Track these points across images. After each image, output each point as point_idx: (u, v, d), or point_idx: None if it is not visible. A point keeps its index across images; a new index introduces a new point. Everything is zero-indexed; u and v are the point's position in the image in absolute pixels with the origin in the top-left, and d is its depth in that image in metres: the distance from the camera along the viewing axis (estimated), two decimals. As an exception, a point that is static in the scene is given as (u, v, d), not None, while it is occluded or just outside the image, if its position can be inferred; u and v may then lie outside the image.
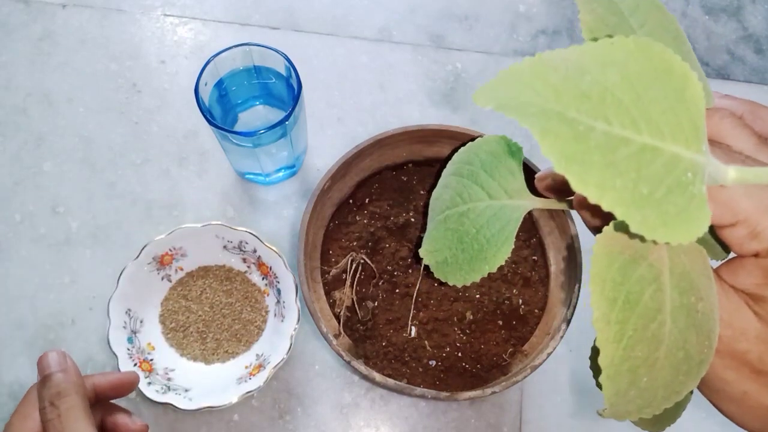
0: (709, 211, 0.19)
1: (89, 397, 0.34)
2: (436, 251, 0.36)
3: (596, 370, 0.22)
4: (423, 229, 0.46)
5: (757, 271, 0.23)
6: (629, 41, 0.20)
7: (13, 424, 0.32)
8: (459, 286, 0.35)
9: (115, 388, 0.36)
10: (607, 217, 0.24)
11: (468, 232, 0.33)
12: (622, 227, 0.22)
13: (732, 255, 0.25)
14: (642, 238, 0.21)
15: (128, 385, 0.37)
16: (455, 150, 0.38)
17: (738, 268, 0.24)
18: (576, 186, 0.18)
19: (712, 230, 0.24)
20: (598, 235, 0.22)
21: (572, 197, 0.28)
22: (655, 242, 0.22)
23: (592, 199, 0.18)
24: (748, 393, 0.24)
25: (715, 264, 0.26)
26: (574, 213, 0.47)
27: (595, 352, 0.22)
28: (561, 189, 0.30)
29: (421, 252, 0.38)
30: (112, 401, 0.38)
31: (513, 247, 0.32)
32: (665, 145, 0.19)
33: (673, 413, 0.30)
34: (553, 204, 0.31)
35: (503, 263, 0.32)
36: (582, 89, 0.19)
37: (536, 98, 0.19)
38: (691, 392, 0.29)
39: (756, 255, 0.23)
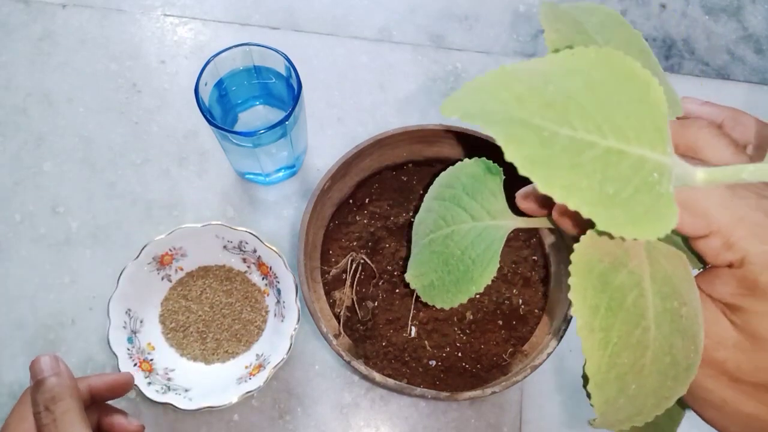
0: (677, 210, 0.19)
1: (84, 399, 0.34)
2: (422, 275, 0.36)
3: (586, 380, 0.22)
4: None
5: (733, 281, 0.23)
6: (590, 51, 0.20)
7: (10, 425, 0.32)
8: (446, 308, 0.35)
9: (111, 389, 0.36)
10: (585, 227, 0.24)
11: (453, 254, 0.33)
12: (600, 231, 0.22)
13: (708, 266, 0.25)
14: (617, 240, 0.22)
15: (124, 386, 0.37)
16: (451, 163, 0.38)
17: (714, 278, 0.24)
18: (542, 188, 0.18)
19: (687, 242, 0.25)
20: (575, 245, 0.22)
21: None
22: (631, 244, 0.22)
23: (558, 200, 0.18)
24: (727, 401, 0.24)
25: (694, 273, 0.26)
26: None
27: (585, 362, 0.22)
28: (542, 206, 0.31)
29: (407, 276, 0.38)
30: (108, 402, 0.38)
31: (498, 266, 0.32)
32: (630, 147, 0.19)
33: (669, 426, 0.30)
34: (535, 222, 0.31)
35: (488, 283, 0.32)
36: (546, 97, 0.19)
37: (501, 107, 0.19)
38: (684, 409, 0.29)
39: (730, 265, 0.23)
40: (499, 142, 0.18)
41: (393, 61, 0.60)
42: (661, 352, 0.22)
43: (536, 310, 0.45)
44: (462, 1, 0.63)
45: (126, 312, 0.47)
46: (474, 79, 0.21)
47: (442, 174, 0.37)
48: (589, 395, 0.21)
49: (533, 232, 0.47)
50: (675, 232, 0.24)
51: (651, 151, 0.19)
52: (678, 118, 0.27)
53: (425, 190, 0.48)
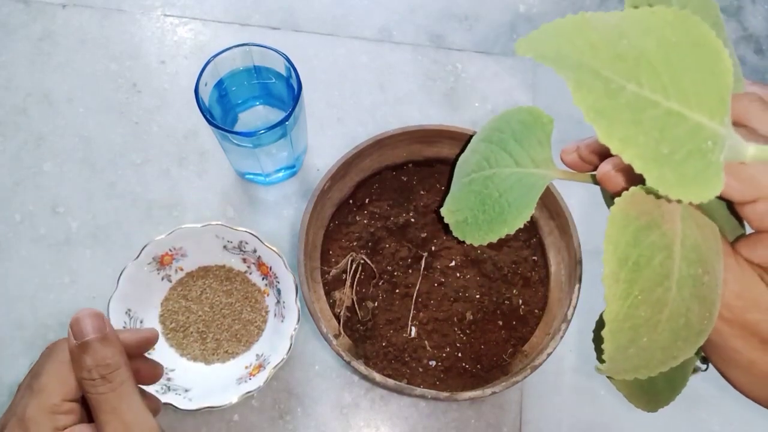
0: (724, 179, 0.20)
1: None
2: (457, 211, 0.38)
3: (599, 332, 0.22)
4: (432, 225, 0.46)
5: None
6: (669, 11, 0.21)
7: (47, 385, 0.30)
8: (475, 245, 0.36)
9: (140, 345, 0.35)
10: (629, 185, 0.25)
11: (491, 195, 0.34)
12: (644, 189, 0.23)
13: (750, 232, 0.26)
14: (658, 198, 0.23)
15: (152, 341, 0.36)
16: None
17: (756, 242, 0.25)
18: (602, 137, 0.19)
19: (732, 207, 0.26)
20: (617, 198, 0.23)
21: (595, 171, 0.29)
22: (669, 204, 0.23)
23: (615, 150, 0.19)
24: (755, 362, 0.25)
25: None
26: (581, 210, 0.47)
27: (600, 320, 0.23)
28: (586, 162, 0.32)
29: (443, 211, 0.39)
30: None
31: (533, 212, 0.32)
32: (690, 113, 0.20)
33: (668, 394, 0.31)
34: (576, 176, 0.32)
35: (519, 227, 0.33)
36: (618, 51, 0.20)
37: (574, 53, 0.20)
38: (687, 376, 0.30)
39: None
40: (569, 87, 0.19)
41: (393, 61, 0.60)
42: (677, 312, 0.23)
43: (536, 310, 0.45)
44: (462, 1, 0.63)
45: (126, 312, 0.47)
46: (553, 21, 0.21)
47: (493, 117, 0.37)
48: (599, 344, 0.22)
49: (533, 232, 0.47)
50: (718, 200, 0.25)
51: (709, 120, 0.20)
52: None
53: (425, 190, 0.48)
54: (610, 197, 0.28)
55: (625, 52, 0.20)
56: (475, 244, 0.36)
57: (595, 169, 0.30)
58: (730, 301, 0.25)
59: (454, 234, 0.37)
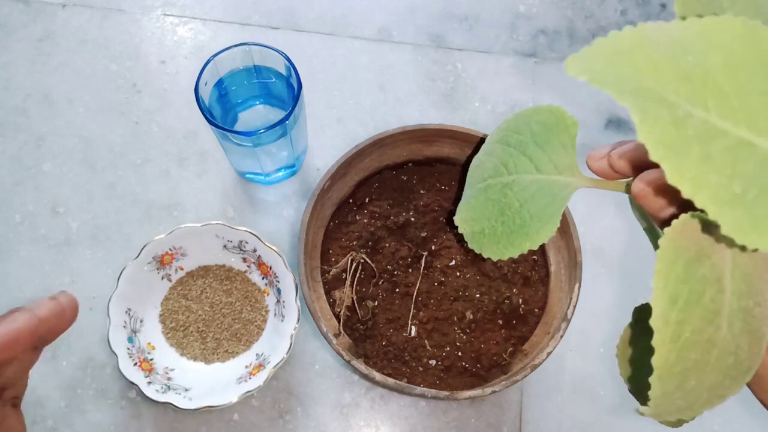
0: None
1: (39, 345, 0.27)
2: (473, 220, 0.35)
3: (626, 370, 0.21)
4: (432, 225, 0.46)
5: None
6: (737, 22, 0.19)
7: None
8: (494, 259, 0.33)
9: (57, 315, 0.29)
10: (671, 204, 0.23)
11: (511, 205, 0.31)
12: (700, 217, 0.21)
13: None
14: (723, 239, 0.20)
15: (70, 314, 0.30)
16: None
17: None
18: (672, 179, 0.17)
19: None
20: (667, 228, 0.21)
21: (628, 180, 0.27)
22: (724, 242, 0.21)
23: (686, 195, 0.17)
24: None
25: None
26: (581, 210, 0.47)
27: (622, 349, 0.21)
28: (617, 170, 0.29)
29: (457, 219, 0.36)
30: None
31: (558, 225, 0.29)
32: (761, 140, 0.18)
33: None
34: (607, 184, 0.29)
35: (543, 242, 0.30)
36: (683, 70, 0.18)
37: (635, 74, 0.18)
38: None
39: None
40: (633, 117, 0.17)
41: (393, 61, 0.60)
42: (726, 351, 0.21)
43: (536, 310, 0.45)
44: (462, 1, 0.63)
45: (126, 311, 0.47)
46: (609, 35, 0.19)
47: (509, 117, 0.34)
48: (633, 381, 0.21)
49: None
50: None
51: None
52: None
53: (425, 190, 0.48)
54: (642, 213, 0.26)
55: (691, 70, 0.18)
56: (494, 258, 0.33)
57: (626, 176, 0.28)
58: None
59: (470, 246, 0.34)
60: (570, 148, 0.30)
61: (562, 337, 0.41)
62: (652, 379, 0.20)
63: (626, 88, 0.18)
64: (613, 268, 0.54)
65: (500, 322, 0.45)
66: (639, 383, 0.21)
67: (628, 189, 0.27)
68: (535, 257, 0.47)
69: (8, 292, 0.51)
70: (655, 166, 0.18)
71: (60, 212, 0.54)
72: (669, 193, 0.23)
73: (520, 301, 0.45)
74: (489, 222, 0.33)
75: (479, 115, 0.59)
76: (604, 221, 0.55)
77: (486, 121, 0.58)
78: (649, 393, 0.21)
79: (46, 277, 0.52)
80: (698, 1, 0.23)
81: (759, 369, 0.23)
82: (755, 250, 0.22)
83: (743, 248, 0.21)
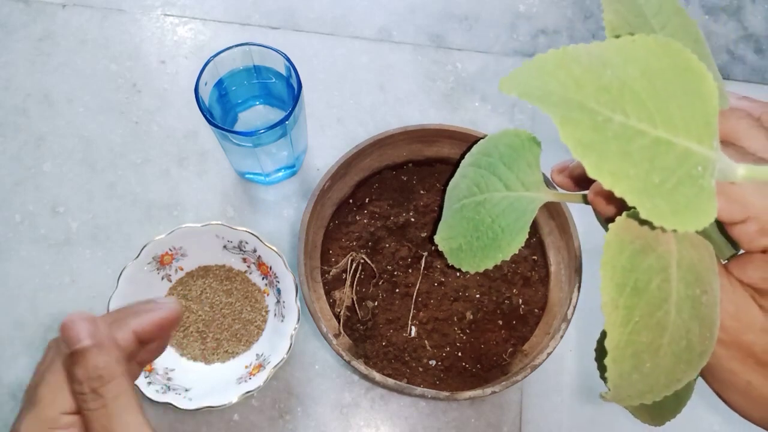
0: (717, 203, 0.20)
1: (131, 351, 0.29)
2: (451, 238, 0.37)
3: (601, 358, 0.22)
4: (432, 225, 0.46)
5: (765, 266, 0.24)
6: (650, 39, 0.21)
7: (44, 398, 0.27)
8: (471, 272, 0.36)
9: (161, 327, 0.30)
10: (620, 208, 0.25)
11: (484, 221, 0.34)
12: (635, 215, 0.23)
13: (741, 252, 0.26)
14: (651, 226, 0.23)
15: (173, 321, 0.30)
16: (466, 151, 0.38)
17: (747, 263, 0.25)
18: (591, 172, 0.19)
19: (722, 227, 0.25)
20: (611, 224, 0.23)
21: (586, 191, 0.29)
22: (663, 231, 0.23)
23: (606, 186, 0.19)
24: (751, 383, 0.25)
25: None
26: (581, 210, 0.47)
27: (601, 342, 0.23)
28: (576, 182, 0.32)
29: (437, 239, 0.39)
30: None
31: (527, 237, 0.32)
32: (678, 139, 0.20)
33: (674, 407, 0.31)
34: (567, 197, 0.32)
35: (515, 252, 0.33)
36: (603, 82, 0.20)
37: (559, 88, 0.20)
38: (692, 388, 0.30)
39: (764, 251, 0.24)
40: (555, 123, 0.19)
41: (393, 61, 0.60)
42: (678, 335, 0.23)
43: (536, 310, 0.45)
44: (462, 1, 0.63)
45: (126, 312, 0.47)
46: (534, 58, 0.21)
47: (481, 141, 0.37)
48: (603, 369, 0.22)
49: (533, 232, 0.47)
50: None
51: (698, 145, 0.20)
52: None
53: (425, 190, 0.48)
54: (603, 220, 0.28)
55: (610, 82, 0.20)
56: (472, 272, 0.35)
57: (570, 190, 0.30)
58: (725, 322, 0.24)
59: (450, 262, 0.37)
60: (535, 167, 0.33)
61: (562, 337, 0.41)
62: (607, 361, 0.22)
63: (551, 100, 0.20)
64: (613, 268, 0.54)
65: (500, 322, 0.45)
66: (602, 370, 0.23)
67: (585, 200, 0.29)
68: (535, 257, 0.47)
69: (8, 292, 0.51)
70: None
71: (60, 212, 0.54)
72: (617, 200, 0.25)
73: (520, 301, 0.45)
74: (465, 238, 0.36)
75: (479, 115, 0.59)
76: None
77: (486, 121, 0.58)
78: (606, 375, 0.22)
79: (46, 277, 0.52)
80: (629, 24, 0.26)
81: (711, 359, 0.25)
82: (699, 246, 0.24)
83: (682, 238, 0.24)
